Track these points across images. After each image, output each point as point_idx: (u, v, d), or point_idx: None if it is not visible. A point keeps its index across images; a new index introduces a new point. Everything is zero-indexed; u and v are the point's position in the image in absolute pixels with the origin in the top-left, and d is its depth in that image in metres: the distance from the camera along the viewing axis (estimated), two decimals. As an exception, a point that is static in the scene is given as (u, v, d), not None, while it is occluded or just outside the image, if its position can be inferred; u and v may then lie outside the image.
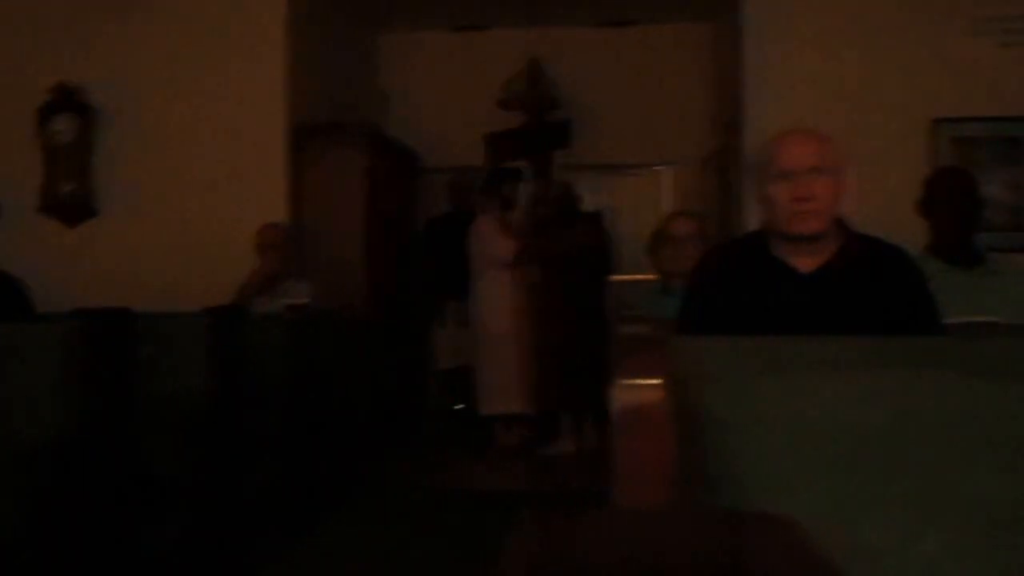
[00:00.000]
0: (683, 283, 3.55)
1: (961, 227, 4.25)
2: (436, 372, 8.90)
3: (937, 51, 6.64)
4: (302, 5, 7.42)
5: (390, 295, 8.10)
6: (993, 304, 3.98)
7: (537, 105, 9.03)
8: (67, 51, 7.23)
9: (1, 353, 3.51)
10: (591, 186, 9.42)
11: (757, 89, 6.81)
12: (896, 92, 6.63)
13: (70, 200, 7.22)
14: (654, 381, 1.71)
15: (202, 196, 7.09)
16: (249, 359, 4.59)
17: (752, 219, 6.43)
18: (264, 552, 4.62)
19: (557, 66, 9.18)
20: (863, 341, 2.14)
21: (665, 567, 0.92)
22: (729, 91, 7.76)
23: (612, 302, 5.44)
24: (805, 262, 2.99)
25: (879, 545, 1.75)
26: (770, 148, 3.03)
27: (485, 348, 7.88)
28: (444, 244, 8.58)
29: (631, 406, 1.70)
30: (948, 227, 4.25)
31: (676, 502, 1.70)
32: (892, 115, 6.61)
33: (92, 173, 7.25)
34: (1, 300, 4.56)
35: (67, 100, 7.19)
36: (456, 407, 9.08)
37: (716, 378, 1.95)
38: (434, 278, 8.68)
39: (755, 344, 2.08)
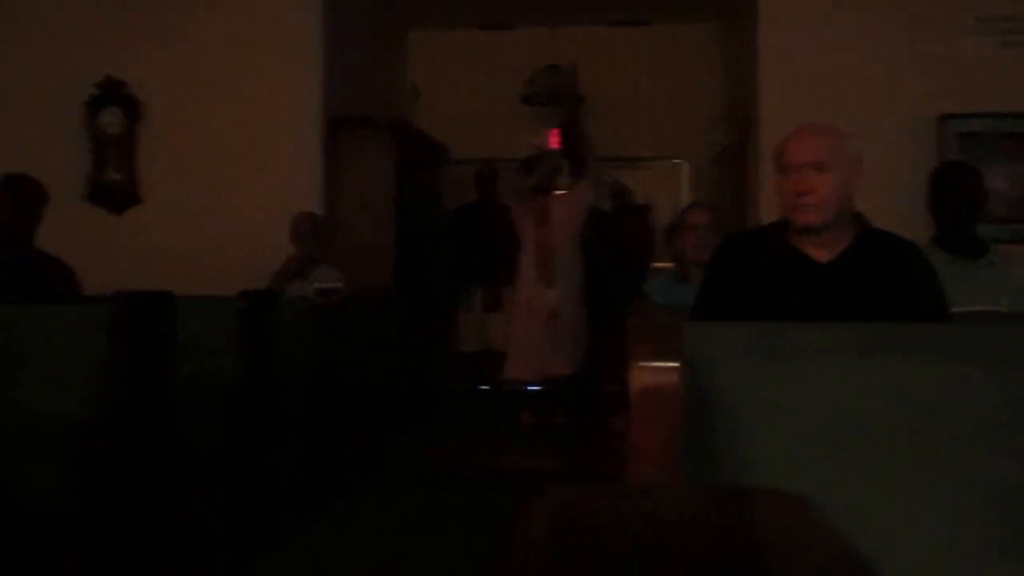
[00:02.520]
0: (699, 271, 3.53)
1: (965, 220, 4.21)
2: (460, 354, 8.91)
3: (944, 50, 6.61)
4: (337, 5, 7.42)
5: (417, 280, 8.11)
6: (995, 294, 3.96)
7: (562, 100, 9.03)
8: (114, 47, 7.26)
9: (49, 332, 3.53)
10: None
11: (771, 86, 6.78)
12: (904, 89, 6.61)
13: (116, 189, 7.26)
14: (669, 364, 1.69)
15: (240, 186, 7.11)
16: (281, 341, 4.59)
17: (765, 211, 6.42)
18: (291, 523, 4.63)
19: (577, 63, 9.17)
20: (870, 328, 2.13)
21: (677, 543, 0.91)
22: (743, 87, 7.73)
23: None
24: (821, 252, 2.98)
25: (883, 524, 1.73)
26: (781, 142, 3.02)
27: (516, 315, 7.78)
28: (470, 232, 8.60)
29: (646, 388, 1.68)
30: (952, 220, 4.21)
31: (688, 481, 1.68)
32: (900, 111, 6.59)
33: (137, 163, 7.29)
34: (50, 283, 4.58)
35: (114, 94, 7.23)
36: (480, 388, 9.10)
37: (729, 362, 1.93)
38: (460, 264, 8.68)
39: (767, 330, 2.06)
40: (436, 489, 5.67)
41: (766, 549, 0.91)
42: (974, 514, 1.74)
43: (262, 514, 4.38)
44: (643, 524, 0.98)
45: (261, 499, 4.37)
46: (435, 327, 8.69)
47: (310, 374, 5.07)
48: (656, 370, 1.69)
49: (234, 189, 7.11)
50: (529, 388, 7.81)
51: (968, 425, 1.80)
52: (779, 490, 1.10)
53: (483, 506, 5.18)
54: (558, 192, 7.75)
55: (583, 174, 7.71)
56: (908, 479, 1.77)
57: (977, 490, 1.76)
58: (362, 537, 4.64)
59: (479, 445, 7.29)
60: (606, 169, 9.30)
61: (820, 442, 1.82)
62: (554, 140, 9.04)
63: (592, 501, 1.03)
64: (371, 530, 4.77)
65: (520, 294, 7.69)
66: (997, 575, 1.71)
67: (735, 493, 1.31)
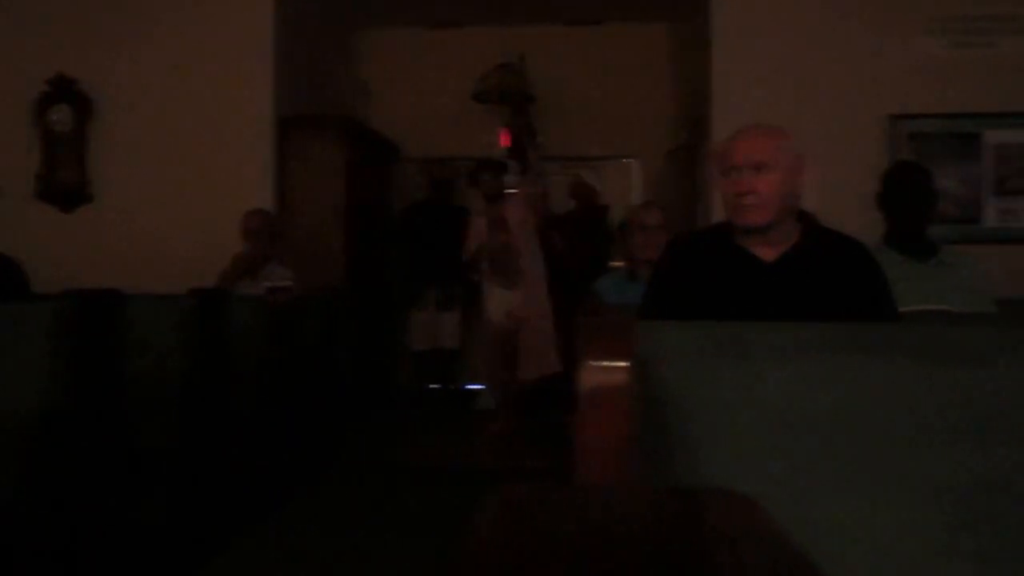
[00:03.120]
0: (650, 270, 3.52)
1: (915, 219, 4.23)
2: (411, 353, 8.88)
3: (895, 51, 6.66)
4: (288, 4, 7.39)
5: (368, 278, 8.09)
6: (945, 294, 3.98)
7: (511, 99, 9.03)
8: (65, 44, 7.22)
9: (-3, 330, 3.50)
10: (561, 177, 9.43)
11: (722, 85, 6.81)
12: (855, 90, 6.66)
13: (66, 187, 7.20)
14: (619, 363, 1.69)
15: (191, 184, 7.08)
16: (231, 339, 4.57)
17: (716, 210, 6.44)
18: (242, 523, 4.60)
19: (529, 62, 9.16)
20: (820, 327, 2.13)
21: (626, 543, 0.90)
22: (694, 88, 7.76)
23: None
24: (766, 251, 2.98)
25: (833, 524, 1.74)
26: (725, 143, 3.03)
27: (484, 336, 7.74)
28: (422, 230, 8.59)
29: (595, 387, 1.68)
30: (902, 219, 4.23)
31: (637, 480, 1.68)
32: (851, 112, 6.64)
33: (88, 161, 7.24)
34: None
35: (65, 91, 7.17)
36: (430, 387, 9.09)
37: (679, 361, 1.93)
38: (412, 263, 8.66)
39: (717, 329, 2.06)
40: (390, 486, 5.66)
41: (713, 549, 0.91)
42: (923, 513, 1.75)
43: (213, 513, 4.35)
44: (591, 523, 0.98)
45: (212, 498, 4.35)
46: (386, 325, 8.68)
47: (261, 372, 5.05)
48: (606, 369, 1.69)
49: (185, 188, 7.08)
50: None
51: (917, 425, 1.81)
52: (727, 490, 1.10)
53: (436, 502, 5.18)
54: (508, 192, 7.73)
55: (527, 172, 7.73)
56: (858, 478, 1.78)
57: (926, 489, 1.76)
58: (315, 535, 4.62)
59: (434, 442, 7.28)
60: (564, 167, 9.33)
61: (771, 441, 1.82)
62: (504, 139, 9.05)
63: (542, 500, 1.02)
64: (324, 528, 4.75)
65: (484, 309, 7.64)
66: (946, 574, 1.72)
67: (683, 493, 1.31)
